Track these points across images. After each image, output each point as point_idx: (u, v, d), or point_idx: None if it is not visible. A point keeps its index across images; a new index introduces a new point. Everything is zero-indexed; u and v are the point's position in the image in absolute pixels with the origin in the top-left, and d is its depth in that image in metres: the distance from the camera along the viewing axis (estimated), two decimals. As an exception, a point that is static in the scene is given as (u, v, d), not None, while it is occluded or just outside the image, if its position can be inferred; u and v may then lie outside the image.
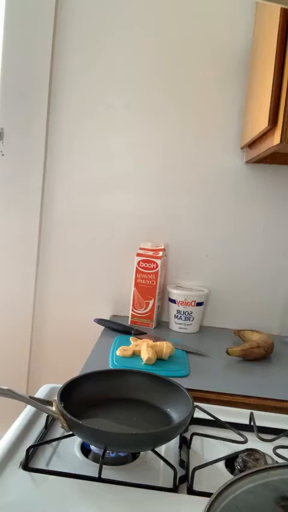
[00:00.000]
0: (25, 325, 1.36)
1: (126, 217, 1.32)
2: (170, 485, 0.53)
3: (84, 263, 1.34)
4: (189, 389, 0.79)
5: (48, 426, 0.64)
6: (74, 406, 0.60)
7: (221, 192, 1.28)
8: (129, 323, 1.25)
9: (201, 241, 1.31)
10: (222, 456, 0.58)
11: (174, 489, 0.53)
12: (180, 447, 0.61)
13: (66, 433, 0.58)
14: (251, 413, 0.69)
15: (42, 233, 1.34)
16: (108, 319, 1.27)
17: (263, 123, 0.95)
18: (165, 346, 0.95)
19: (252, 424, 0.67)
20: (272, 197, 1.27)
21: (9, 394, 0.56)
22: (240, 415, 0.74)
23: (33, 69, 1.27)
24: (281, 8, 0.86)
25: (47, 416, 0.65)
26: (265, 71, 0.97)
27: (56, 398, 0.60)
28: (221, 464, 0.59)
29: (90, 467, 0.57)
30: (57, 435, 0.63)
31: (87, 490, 0.52)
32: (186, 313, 1.22)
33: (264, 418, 0.74)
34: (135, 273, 1.23)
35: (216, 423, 0.68)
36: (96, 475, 0.53)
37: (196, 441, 0.65)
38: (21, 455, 0.57)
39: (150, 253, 1.23)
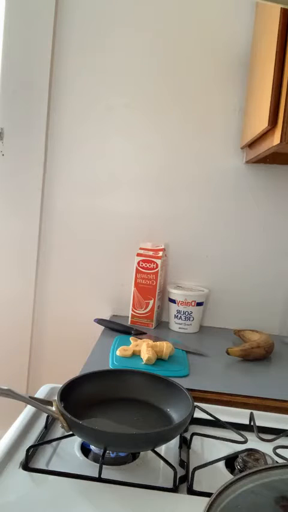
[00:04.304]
0: (25, 325, 1.36)
1: (126, 217, 1.32)
2: (170, 485, 0.53)
3: (84, 263, 1.34)
4: (189, 389, 0.79)
5: (48, 426, 0.64)
6: (74, 406, 0.60)
7: (221, 192, 1.28)
8: (129, 323, 1.25)
9: (201, 241, 1.31)
10: (222, 456, 0.58)
11: (174, 489, 0.53)
12: (180, 447, 0.61)
13: (66, 433, 0.58)
14: (251, 413, 0.69)
15: (42, 233, 1.34)
16: (108, 319, 1.27)
17: (263, 123, 0.95)
18: (165, 346, 0.95)
19: (252, 424, 0.67)
20: (272, 197, 1.27)
21: (9, 394, 0.56)
22: (240, 415, 0.74)
23: (33, 69, 1.27)
24: (281, 8, 0.86)
25: (47, 416, 0.65)
26: (265, 71, 0.97)
27: (56, 398, 0.60)
28: (221, 464, 0.59)
29: (90, 467, 0.57)
30: (57, 435, 0.63)
31: (87, 490, 0.52)
32: (186, 313, 1.22)
33: (264, 418, 0.74)
34: (135, 273, 1.23)
35: (216, 423, 0.68)
36: (96, 475, 0.53)
37: (196, 441, 0.65)
38: (21, 455, 0.57)
39: (150, 253, 1.23)
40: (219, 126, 1.27)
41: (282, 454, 0.59)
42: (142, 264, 1.22)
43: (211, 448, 0.64)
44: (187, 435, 0.64)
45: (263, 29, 1.04)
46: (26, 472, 0.54)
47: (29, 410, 0.69)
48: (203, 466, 0.55)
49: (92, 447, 0.60)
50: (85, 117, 1.30)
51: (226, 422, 0.68)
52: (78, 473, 0.54)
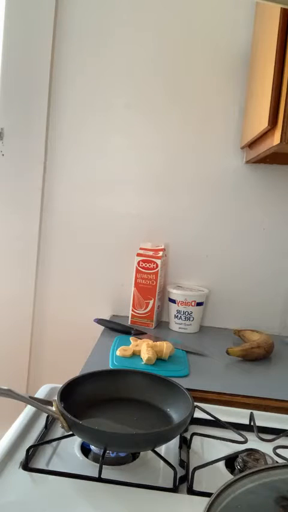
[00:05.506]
0: (25, 325, 1.36)
1: (126, 217, 1.32)
2: (170, 485, 0.53)
3: (84, 263, 1.34)
4: (189, 389, 0.79)
5: (48, 426, 0.64)
6: (74, 406, 0.60)
7: (221, 192, 1.28)
8: (129, 323, 1.25)
9: (201, 241, 1.31)
10: (222, 456, 0.58)
11: (174, 489, 0.53)
12: (180, 447, 0.61)
13: (66, 433, 0.58)
14: (251, 413, 0.69)
15: (42, 233, 1.34)
16: (108, 319, 1.27)
17: (263, 123, 0.95)
18: (165, 346, 0.95)
19: (252, 424, 0.67)
20: (272, 197, 1.27)
21: (9, 394, 0.56)
22: (240, 415, 0.74)
23: (33, 69, 1.27)
24: (281, 8, 0.86)
25: (47, 416, 0.65)
26: (265, 71, 0.97)
27: (56, 398, 0.60)
28: (221, 464, 0.59)
29: (90, 467, 0.57)
30: (57, 435, 0.63)
31: (87, 490, 0.52)
32: (186, 313, 1.22)
33: (264, 418, 0.74)
34: (135, 273, 1.23)
35: (216, 423, 0.68)
36: (96, 475, 0.53)
37: (196, 441, 0.65)
38: (21, 455, 0.57)
39: (150, 253, 1.23)
40: (219, 126, 1.27)
41: (282, 454, 0.59)
42: (142, 264, 1.22)
43: (211, 448, 0.64)
44: (187, 435, 0.64)
45: (263, 29, 1.04)
46: (26, 472, 0.54)
47: (29, 410, 0.69)
48: (203, 466, 0.55)
49: (92, 447, 0.60)
50: (85, 117, 1.30)
51: (226, 422, 0.68)
52: (78, 473, 0.54)
